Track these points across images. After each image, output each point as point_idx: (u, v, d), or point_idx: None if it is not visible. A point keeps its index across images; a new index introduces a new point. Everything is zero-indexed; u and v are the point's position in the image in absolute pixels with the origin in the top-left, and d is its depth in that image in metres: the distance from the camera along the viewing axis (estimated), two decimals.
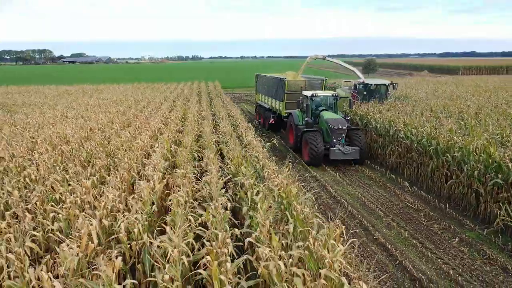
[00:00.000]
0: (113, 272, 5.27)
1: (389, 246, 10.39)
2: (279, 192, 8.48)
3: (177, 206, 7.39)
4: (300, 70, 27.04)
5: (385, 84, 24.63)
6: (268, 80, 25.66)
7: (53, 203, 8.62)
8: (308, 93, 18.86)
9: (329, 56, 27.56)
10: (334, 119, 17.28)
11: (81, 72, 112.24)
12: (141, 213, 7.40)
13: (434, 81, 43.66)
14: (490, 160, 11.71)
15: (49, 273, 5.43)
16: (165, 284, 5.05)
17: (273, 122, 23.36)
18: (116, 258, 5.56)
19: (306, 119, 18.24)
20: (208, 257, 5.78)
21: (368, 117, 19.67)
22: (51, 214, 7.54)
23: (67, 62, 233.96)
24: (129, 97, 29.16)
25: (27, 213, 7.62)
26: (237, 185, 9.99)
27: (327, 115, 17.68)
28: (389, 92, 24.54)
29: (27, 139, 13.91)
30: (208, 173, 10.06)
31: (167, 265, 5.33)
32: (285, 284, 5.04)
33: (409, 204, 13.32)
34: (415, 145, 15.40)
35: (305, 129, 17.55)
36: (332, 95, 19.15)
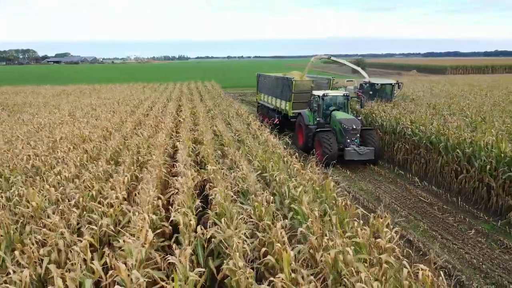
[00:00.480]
0: (186, 260, 5.54)
1: (411, 238, 10.82)
2: (314, 186, 8.82)
3: (225, 200, 7.67)
4: (305, 70, 27.14)
5: (391, 84, 24.60)
6: (273, 80, 25.71)
7: (92, 200, 8.84)
8: (319, 92, 18.78)
9: (326, 55, 27.71)
10: (348, 119, 17.25)
11: (69, 72, 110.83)
12: (189, 207, 7.65)
13: (427, 80, 44.65)
14: (502, 155, 12.24)
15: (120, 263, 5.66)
16: (241, 270, 5.32)
17: (278, 122, 23.47)
18: (185, 249, 5.82)
19: (317, 119, 18.19)
20: (267, 246, 6.08)
21: (373, 115, 20.15)
22: (100, 209, 7.72)
23: (52, 62, 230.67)
24: (130, 96, 29.18)
25: (74, 209, 7.79)
26: (265, 180, 10.31)
27: (340, 115, 17.68)
28: (395, 92, 24.62)
29: (47, 138, 13.96)
30: (237, 169, 10.33)
31: (236, 254, 5.61)
32: (351, 269, 5.37)
33: (422, 199, 13.80)
34: (424, 141, 15.90)
35: (318, 129, 17.48)
36: (343, 95, 19.06)
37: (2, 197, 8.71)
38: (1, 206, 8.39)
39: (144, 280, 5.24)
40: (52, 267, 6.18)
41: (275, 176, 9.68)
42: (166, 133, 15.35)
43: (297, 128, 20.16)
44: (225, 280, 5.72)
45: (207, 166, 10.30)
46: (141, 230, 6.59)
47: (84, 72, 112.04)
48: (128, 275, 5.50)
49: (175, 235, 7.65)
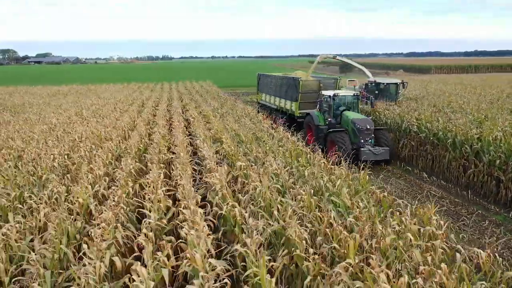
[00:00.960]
0: (255, 247, 5.85)
1: None
2: (347, 180, 9.22)
3: (270, 193, 8.00)
4: (310, 69, 27.18)
5: (396, 83, 24.51)
6: (277, 80, 25.58)
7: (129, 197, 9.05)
8: (329, 92, 18.60)
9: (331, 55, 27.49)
10: (361, 119, 17.17)
11: (53, 72, 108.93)
12: (231, 201, 7.96)
13: (419, 80, 45.71)
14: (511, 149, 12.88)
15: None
16: (312, 257, 5.66)
17: (282, 123, 23.24)
18: (254, 238, 6.13)
19: (329, 119, 18.04)
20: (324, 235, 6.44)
21: (377, 113, 20.70)
22: (149, 205, 7.94)
23: (33, 63, 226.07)
24: (129, 96, 29.17)
25: (122, 205, 7.99)
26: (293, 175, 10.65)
27: (352, 115, 17.56)
28: (399, 91, 24.51)
29: (67, 137, 14.03)
30: (266, 165, 10.63)
31: (303, 242, 5.97)
32: (406, 255, 5.77)
33: (432, 192, 14.35)
34: (431, 138, 16.48)
35: (331, 130, 17.27)
36: (354, 95, 18.97)
37: (43, 194, 8.81)
38: (42, 204, 8.51)
39: (223, 267, 5.52)
40: (116, 259, 6.43)
41: (305, 171, 10.04)
42: (180, 131, 15.55)
43: (306, 129, 19.92)
44: (291, 267, 6.05)
45: (236, 163, 10.58)
46: (194, 222, 6.86)
47: (69, 72, 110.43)
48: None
49: (222, 228, 7.94)
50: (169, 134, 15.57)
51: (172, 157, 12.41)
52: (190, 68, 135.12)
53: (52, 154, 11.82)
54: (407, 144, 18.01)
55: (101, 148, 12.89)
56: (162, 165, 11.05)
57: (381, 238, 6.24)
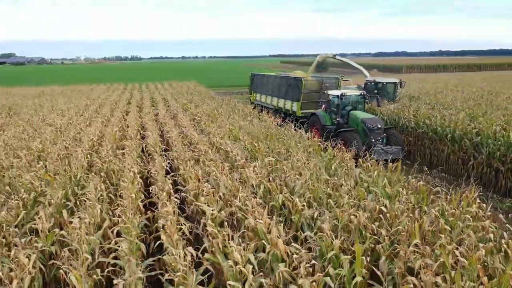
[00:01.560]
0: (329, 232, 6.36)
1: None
2: (378, 171, 9.88)
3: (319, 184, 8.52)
4: (310, 69, 27.23)
5: (394, 83, 24.74)
6: (275, 80, 25.66)
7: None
8: (337, 92, 18.67)
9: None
10: (371, 118, 17.27)
11: (20, 73, 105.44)
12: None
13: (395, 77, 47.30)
14: (511, 141, 13.94)
15: None
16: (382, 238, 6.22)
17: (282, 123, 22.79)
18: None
19: (337, 119, 18.03)
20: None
21: (373, 110, 21.55)
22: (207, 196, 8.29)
23: None
24: (121, 96, 29.01)
25: (165, 201, 8.26)
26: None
27: (362, 114, 17.60)
28: (398, 90, 24.78)
29: (84, 136, 14.07)
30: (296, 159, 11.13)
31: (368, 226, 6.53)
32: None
33: (436, 184, 15.25)
34: (430, 133, 17.42)
35: (341, 129, 17.19)
36: (360, 94, 19.04)
37: (88, 192, 8.95)
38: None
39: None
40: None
41: (332, 164, 10.64)
42: (192, 130, 15.79)
43: (311, 129, 19.39)
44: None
45: (260, 159, 11.07)
46: (253, 210, 7.32)
47: (38, 73, 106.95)
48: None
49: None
50: (181, 133, 15.78)
51: (196, 154, 12.59)
52: (162, 69, 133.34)
53: (82, 151, 11.88)
54: (405, 139, 18.91)
55: (120, 148, 13.07)
56: (191, 162, 11.32)
57: (436, 221, 6.87)
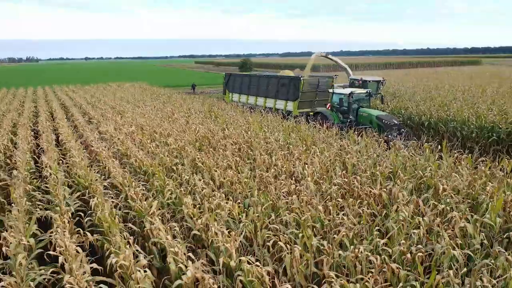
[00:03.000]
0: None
1: None
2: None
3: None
4: (306, 69, 27.61)
5: (378, 81, 25.69)
6: (262, 79, 25.73)
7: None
8: (346, 91, 18.90)
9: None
10: (385, 115, 17.77)
11: None
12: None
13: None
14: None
15: None
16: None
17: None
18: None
19: (350, 117, 18.25)
20: None
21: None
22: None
23: None
24: (118, 98, 28.90)
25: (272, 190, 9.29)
26: None
27: (374, 112, 18.06)
28: (380, 88, 25.62)
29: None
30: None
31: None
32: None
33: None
34: (408, 122, 20.13)
35: (357, 127, 17.35)
36: (366, 92, 19.30)
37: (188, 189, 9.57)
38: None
39: None
40: None
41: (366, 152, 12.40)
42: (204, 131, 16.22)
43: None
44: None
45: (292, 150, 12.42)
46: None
47: None
48: None
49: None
50: (187, 126, 16.53)
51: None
52: (65, 70, 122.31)
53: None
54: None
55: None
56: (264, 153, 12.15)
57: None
